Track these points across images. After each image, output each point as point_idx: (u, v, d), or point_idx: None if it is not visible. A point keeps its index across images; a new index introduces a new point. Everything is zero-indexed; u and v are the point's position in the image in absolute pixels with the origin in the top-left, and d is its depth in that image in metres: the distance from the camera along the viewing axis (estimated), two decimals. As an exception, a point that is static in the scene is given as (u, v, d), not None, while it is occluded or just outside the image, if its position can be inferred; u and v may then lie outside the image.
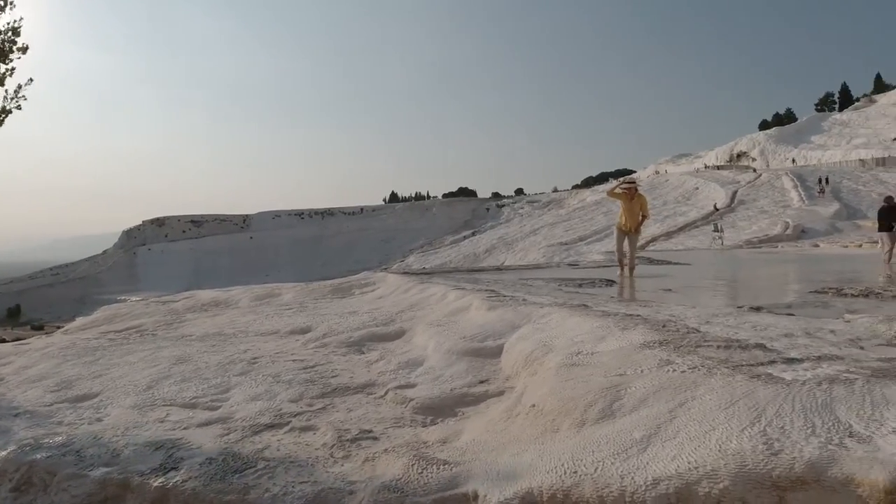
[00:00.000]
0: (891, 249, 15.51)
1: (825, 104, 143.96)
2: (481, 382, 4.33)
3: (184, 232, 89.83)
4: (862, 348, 3.53)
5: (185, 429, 3.84)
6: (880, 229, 16.12)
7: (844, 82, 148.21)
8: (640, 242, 40.62)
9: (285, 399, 4.45)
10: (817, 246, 30.38)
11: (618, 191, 11.43)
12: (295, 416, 4.07)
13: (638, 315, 4.79)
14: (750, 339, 3.56)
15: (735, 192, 61.54)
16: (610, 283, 9.83)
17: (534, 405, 3.02)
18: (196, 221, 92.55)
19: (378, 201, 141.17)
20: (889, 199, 16.66)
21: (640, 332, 3.83)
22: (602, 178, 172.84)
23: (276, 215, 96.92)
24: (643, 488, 1.98)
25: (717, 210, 53.25)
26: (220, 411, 4.23)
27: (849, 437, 2.05)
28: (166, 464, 3.23)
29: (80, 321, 10.00)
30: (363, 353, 5.86)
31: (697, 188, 70.01)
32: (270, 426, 3.88)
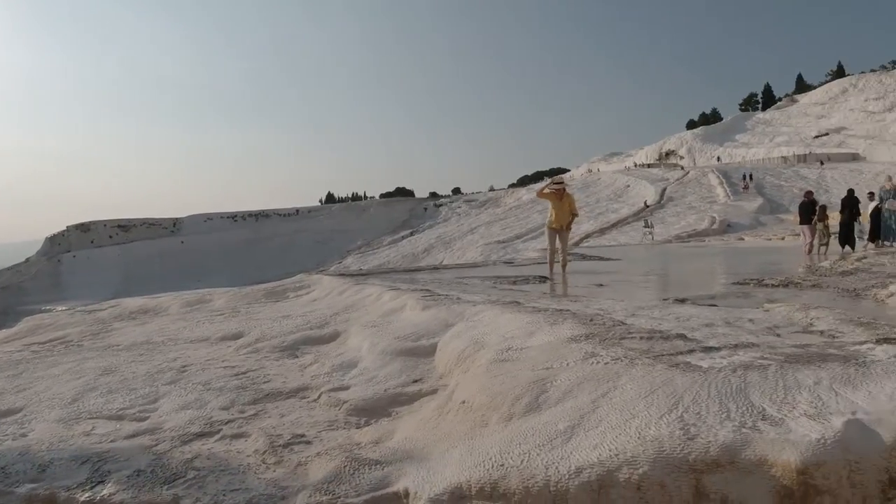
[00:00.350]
0: (811, 241, 16.29)
1: (749, 104, 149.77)
2: (415, 382, 4.36)
3: (111, 237, 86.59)
4: (778, 336, 3.72)
5: (112, 441, 3.74)
6: (801, 223, 16.90)
7: (767, 83, 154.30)
8: (574, 240, 41.24)
9: (216, 407, 4.38)
10: (742, 239, 31.59)
11: (547, 191, 11.51)
12: (226, 423, 4.02)
13: (568, 310, 4.90)
14: (672, 330, 3.70)
15: (664, 190, 63.37)
16: (543, 279, 9.99)
17: (464, 401, 3.06)
18: (124, 226, 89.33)
19: (314, 202, 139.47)
20: (809, 193, 17.49)
21: (568, 326, 3.93)
22: (537, 176, 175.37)
23: (209, 218, 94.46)
24: (567, 477, 2.04)
25: (648, 206, 54.77)
26: (148, 422, 4.14)
27: (762, 420, 2.16)
28: (93, 477, 3.15)
29: (2, 334, 9.56)
30: (297, 357, 5.80)
31: (629, 186, 71.76)
32: (201, 435, 3.81)
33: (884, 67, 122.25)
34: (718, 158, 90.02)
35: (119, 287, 59.57)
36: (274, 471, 3.15)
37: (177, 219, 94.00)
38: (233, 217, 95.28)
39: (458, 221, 79.60)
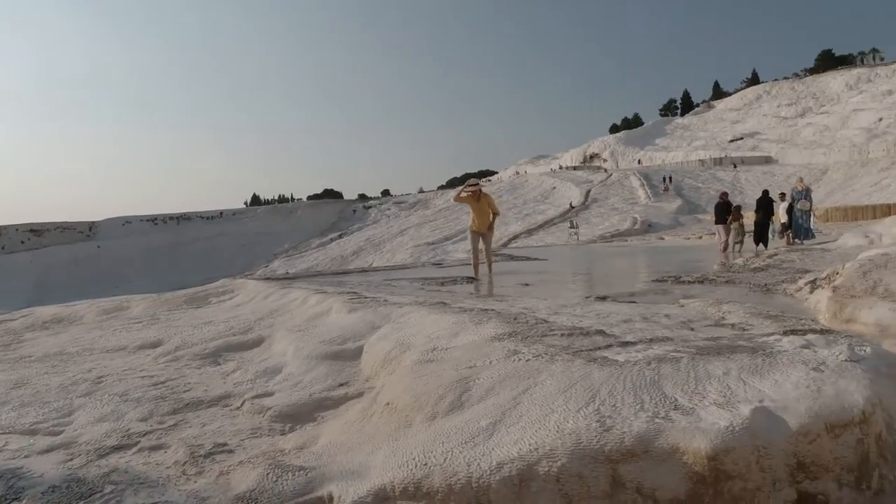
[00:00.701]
0: (726, 240, 17.02)
1: (669, 109, 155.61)
2: (341, 385, 4.31)
3: (22, 242, 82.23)
4: (692, 330, 3.86)
5: (25, 457, 3.58)
6: (717, 222, 17.63)
7: (686, 90, 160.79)
8: (502, 241, 41.70)
9: (134, 418, 4.23)
10: (662, 239, 32.71)
11: (463, 195, 11.28)
12: (144, 435, 3.89)
13: (493, 310, 4.95)
14: (592, 327, 3.79)
15: (589, 191, 65.00)
16: (471, 280, 10.08)
17: (388, 403, 3.05)
18: (36, 230, 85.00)
19: (239, 204, 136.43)
20: (724, 195, 18.26)
21: (492, 325, 3.97)
22: (466, 178, 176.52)
23: (127, 221, 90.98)
24: (488, 473, 2.06)
25: (573, 208, 56.03)
26: (63, 436, 3.97)
27: (674, 410, 2.23)
28: (7, 495, 3.02)
29: None
30: (219, 364, 5.65)
31: (555, 188, 73.20)
32: (118, 448, 3.68)
33: (796, 75, 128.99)
34: (639, 161, 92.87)
35: (32, 295, 56.56)
36: (195, 482, 3.07)
37: (93, 222, 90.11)
38: (153, 220, 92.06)
39: (387, 223, 79.37)
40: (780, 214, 18.35)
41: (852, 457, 2.09)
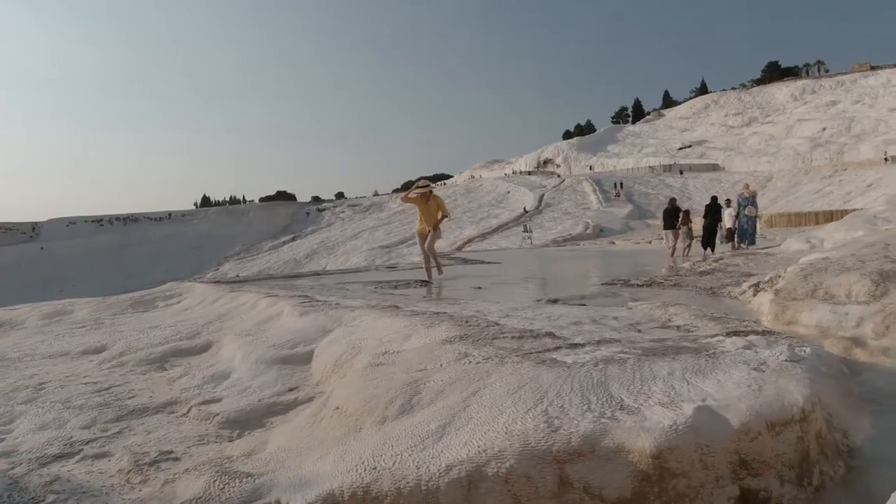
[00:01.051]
0: (674, 245, 17.39)
1: (620, 117, 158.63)
2: (290, 390, 4.25)
3: (-42, 245, 79.10)
4: (639, 331, 3.93)
5: (-36, 466, 3.43)
6: (665, 227, 18.02)
7: (637, 98, 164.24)
8: (457, 244, 41.70)
9: (76, 426, 4.10)
10: (613, 243, 33.27)
11: (412, 195, 11.13)
12: (87, 443, 3.77)
13: (445, 313, 4.95)
14: (542, 329, 3.83)
15: (542, 196, 65.69)
16: (424, 283, 10.07)
17: (338, 407, 3.02)
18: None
19: (189, 206, 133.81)
20: (672, 200, 18.67)
21: (444, 328, 3.97)
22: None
23: (72, 222, 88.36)
24: (437, 475, 2.05)
25: (527, 212, 56.55)
26: (3, 444, 3.83)
27: (620, 410, 2.27)
28: (-55, 504, 2.89)
29: None
30: (165, 369, 5.51)
31: (509, 192, 73.78)
32: (60, 456, 3.57)
33: (743, 86, 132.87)
34: (591, 167, 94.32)
35: (-33, 300, 54.53)
36: (140, 490, 2.99)
37: (36, 223, 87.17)
38: (98, 221, 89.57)
39: (341, 226, 78.78)
40: (727, 220, 18.84)
41: (793, 454, 2.15)
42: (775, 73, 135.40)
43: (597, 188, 65.28)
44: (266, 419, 3.87)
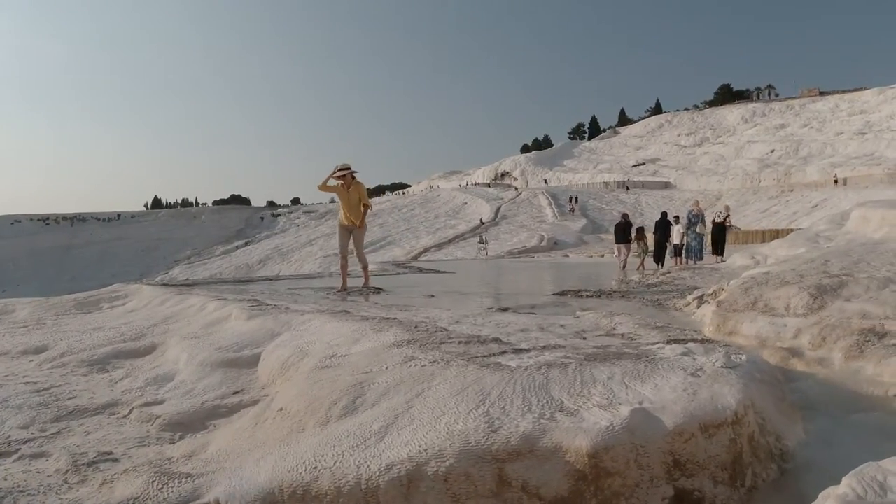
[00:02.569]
0: (626, 258, 17.74)
1: (577, 133, 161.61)
2: (235, 393, 4.20)
3: None
4: (584, 339, 4.00)
5: None
6: (617, 241, 18.37)
7: (594, 115, 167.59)
8: (413, 253, 41.61)
9: (14, 426, 4.00)
10: (567, 256, 33.72)
11: (331, 182, 9.47)
12: (25, 443, 3.69)
13: (395, 318, 4.96)
14: (490, 335, 3.87)
15: (499, 208, 66.28)
16: (377, 290, 10.05)
17: (281, 408, 3.00)
18: None
19: (139, 207, 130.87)
20: (625, 215, 19.07)
21: (392, 333, 3.98)
22: (378, 190, 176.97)
23: (16, 220, 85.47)
24: (377, 474, 2.06)
25: (483, 223, 56.95)
26: (-64, 443, 3.69)
27: (559, 411, 2.31)
28: None
29: None
30: (107, 371, 5.39)
31: (466, 203, 74.25)
32: (-3, 455, 3.47)
33: (696, 107, 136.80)
34: (546, 181, 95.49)
35: None
36: (77, 490, 2.95)
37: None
38: (44, 220, 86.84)
39: (296, 232, 77.96)
40: (675, 236, 19.30)
41: (726, 455, 2.21)
42: (727, 95, 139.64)
43: (552, 202, 66.14)
44: (209, 422, 3.82)
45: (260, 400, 3.91)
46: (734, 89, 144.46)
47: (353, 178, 9.50)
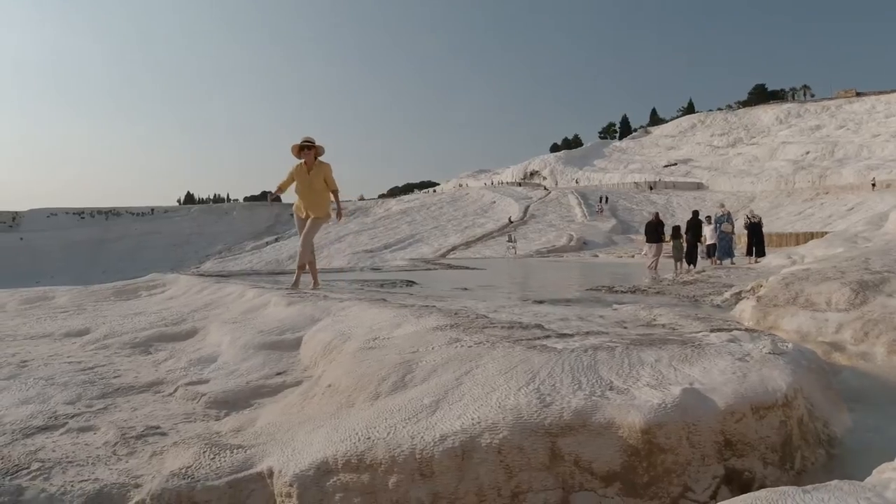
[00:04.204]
0: (656, 258, 17.60)
1: (608, 132, 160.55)
2: (279, 374, 4.28)
3: (-64, 232, 77.85)
4: (625, 328, 4.01)
5: (-53, 436, 3.43)
6: (648, 240, 18.26)
7: (625, 114, 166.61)
8: (441, 251, 41.31)
9: (60, 401, 4.11)
10: (597, 256, 33.56)
11: (290, 175, 7.68)
12: (72, 417, 3.79)
13: (433, 306, 5.01)
14: (531, 322, 3.90)
15: (527, 207, 66.10)
16: (410, 283, 10.13)
17: (330, 385, 3.06)
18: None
19: (171, 202, 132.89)
20: (656, 215, 18.95)
21: (433, 318, 4.03)
22: (408, 188, 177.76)
23: (52, 213, 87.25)
24: (431, 444, 2.10)
25: (512, 223, 56.83)
26: (-16, 417, 3.81)
27: (609, 390, 2.33)
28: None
29: None
30: (150, 353, 5.52)
31: (494, 202, 74.15)
32: (44, 428, 3.59)
33: (729, 107, 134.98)
34: (577, 181, 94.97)
35: (-58, 287, 53.62)
36: (127, 461, 3.03)
37: (16, 213, 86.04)
38: (80, 213, 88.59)
39: (325, 229, 78.56)
40: (708, 236, 19.13)
41: (776, 437, 2.22)
42: (761, 95, 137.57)
43: (582, 202, 65.77)
44: (254, 400, 3.90)
45: (303, 381, 3.98)
46: (769, 89, 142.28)
47: (316, 156, 7.59)
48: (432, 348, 3.09)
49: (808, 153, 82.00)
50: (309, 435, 2.57)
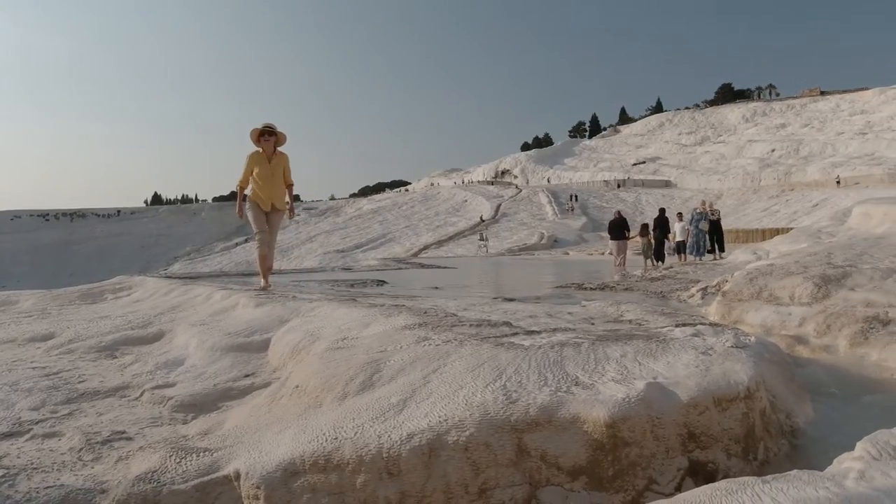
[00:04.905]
0: (623, 255, 17.79)
1: (578, 131, 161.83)
2: (247, 376, 4.24)
3: None
4: (593, 324, 4.05)
5: None
6: (612, 238, 18.41)
7: (595, 113, 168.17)
8: (413, 250, 41.32)
9: (24, 407, 4.04)
10: (567, 254, 33.80)
11: (251, 171, 7.10)
12: (36, 423, 3.73)
13: (403, 305, 5.01)
14: (500, 320, 3.92)
15: (499, 206, 66.34)
16: (381, 283, 10.11)
17: (297, 386, 3.04)
18: None
19: (139, 203, 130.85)
20: (618, 213, 19.16)
21: (402, 317, 4.02)
22: (379, 187, 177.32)
23: (16, 216, 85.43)
24: (398, 443, 2.10)
25: (483, 221, 56.99)
26: (-55, 423, 3.73)
27: (575, 385, 2.36)
28: None
29: None
30: (115, 357, 5.43)
31: (466, 201, 74.30)
32: (8, 435, 3.52)
33: (696, 106, 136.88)
34: (548, 180, 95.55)
35: None
36: (92, 467, 2.99)
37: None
38: (44, 216, 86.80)
39: (296, 229, 77.94)
40: (678, 233, 19.37)
41: (739, 429, 2.26)
42: (728, 94, 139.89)
43: (553, 200, 66.22)
44: (222, 403, 3.85)
45: (272, 382, 3.95)
46: (735, 88, 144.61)
47: (275, 148, 7.15)
48: (400, 347, 3.09)
49: (773, 151, 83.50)
50: (276, 436, 2.56)
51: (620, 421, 2.06)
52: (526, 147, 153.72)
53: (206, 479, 2.53)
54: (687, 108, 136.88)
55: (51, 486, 2.75)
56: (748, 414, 2.30)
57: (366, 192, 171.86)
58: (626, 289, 8.33)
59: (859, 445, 1.72)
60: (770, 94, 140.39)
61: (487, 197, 74.35)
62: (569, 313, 4.55)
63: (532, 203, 68.28)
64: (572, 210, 61.76)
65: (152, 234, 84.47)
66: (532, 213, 62.41)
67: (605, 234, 48.35)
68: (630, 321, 4.13)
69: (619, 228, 18.00)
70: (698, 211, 19.07)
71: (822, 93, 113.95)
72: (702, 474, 2.17)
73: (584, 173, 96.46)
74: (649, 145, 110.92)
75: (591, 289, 8.39)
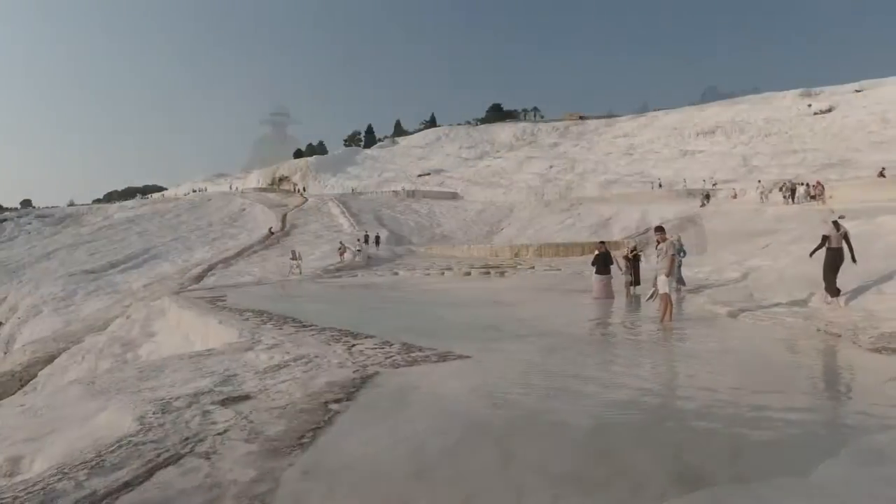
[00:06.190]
0: (604, 288, 13.56)
1: (353, 140, 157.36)
2: None
3: None
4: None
5: None
6: (598, 273, 15.06)
7: (370, 124, 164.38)
8: (193, 271, 32.99)
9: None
10: (397, 274, 28.54)
11: None
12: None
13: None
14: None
15: (285, 216, 59.07)
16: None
17: None
18: None
19: None
20: (602, 243, 16.25)
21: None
22: (129, 192, 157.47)
23: None
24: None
25: (274, 234, 49.47)
26: None
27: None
28: None
29: None
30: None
31: (244, 209, 65.77)
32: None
33: (469, 123, 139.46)
34: (332, 188, 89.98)
35: None
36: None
37: None
38: None
39: (28, 242, 63.08)
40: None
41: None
42: (498, 114, 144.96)
43: (346, 210, 60.54)
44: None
45: None
46: (504, 109, 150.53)
47: None
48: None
49: (552, 167, 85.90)
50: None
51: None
52: (299, 154, 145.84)
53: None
54: (460, 124, 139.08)
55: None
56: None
57: (113, 197, 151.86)
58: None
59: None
60: (535, 116, 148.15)
61: (269, 205, 66.47)
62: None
63: (322, 213, 61.90)
64: (366, 242, 55.90)
65: None
66: (325, 224, 56.08)
67: (415, 248, 44.08)
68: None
69: (604, 262, 14.93)
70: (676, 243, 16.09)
71: (581, 117, 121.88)
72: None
73: (370, 182, 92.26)
74: (431, 157, 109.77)
75: None
